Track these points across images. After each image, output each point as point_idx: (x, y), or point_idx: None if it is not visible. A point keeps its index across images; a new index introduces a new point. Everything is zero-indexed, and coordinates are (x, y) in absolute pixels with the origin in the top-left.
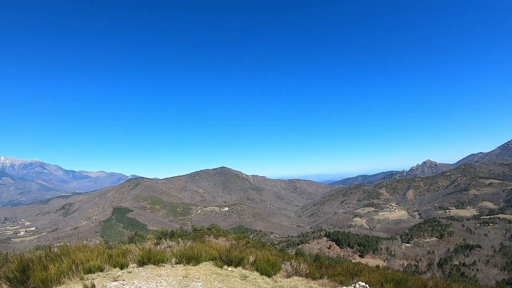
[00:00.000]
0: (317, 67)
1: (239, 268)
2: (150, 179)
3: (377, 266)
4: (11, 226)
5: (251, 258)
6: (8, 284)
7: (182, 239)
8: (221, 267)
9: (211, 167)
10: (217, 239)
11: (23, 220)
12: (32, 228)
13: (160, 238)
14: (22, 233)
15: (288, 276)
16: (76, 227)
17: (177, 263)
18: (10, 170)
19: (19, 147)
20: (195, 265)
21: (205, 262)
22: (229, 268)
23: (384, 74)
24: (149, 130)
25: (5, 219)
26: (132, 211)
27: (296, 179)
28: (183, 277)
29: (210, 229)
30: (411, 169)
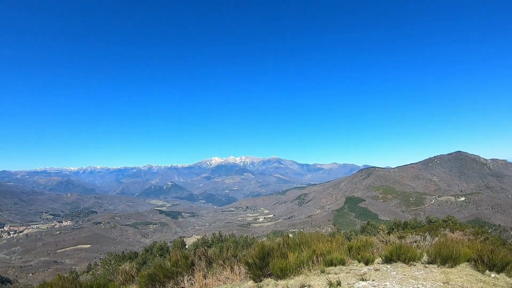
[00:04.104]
0: None
1: (502, 274)
2: (382, 168)
3: None
4: (251, 214)
5: None
6: (246, 268)
7: (429, 233)
8: (483, 272)
9: (445, 152)
10: (453, 232)
11: (262, 208)
12: (270, 216)
13: (392, 229)
14: (260, 219)
15: None
16: (310, 215)
17: (429, 263)
18: (251, 167)
19: (259, 147)
20: (451, 267)
21: (462, 264)
22: (492, 274)
23: None
24: (378, 119)
25: (247, 207)
26: (364, 200)
27: None
28: (443, 282)
29: (445, 222)
30: None
